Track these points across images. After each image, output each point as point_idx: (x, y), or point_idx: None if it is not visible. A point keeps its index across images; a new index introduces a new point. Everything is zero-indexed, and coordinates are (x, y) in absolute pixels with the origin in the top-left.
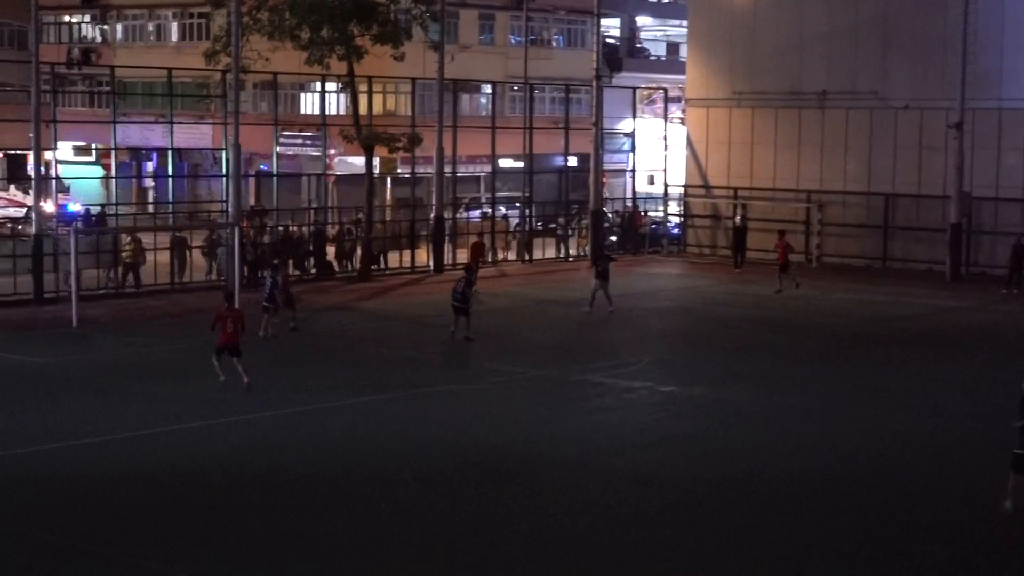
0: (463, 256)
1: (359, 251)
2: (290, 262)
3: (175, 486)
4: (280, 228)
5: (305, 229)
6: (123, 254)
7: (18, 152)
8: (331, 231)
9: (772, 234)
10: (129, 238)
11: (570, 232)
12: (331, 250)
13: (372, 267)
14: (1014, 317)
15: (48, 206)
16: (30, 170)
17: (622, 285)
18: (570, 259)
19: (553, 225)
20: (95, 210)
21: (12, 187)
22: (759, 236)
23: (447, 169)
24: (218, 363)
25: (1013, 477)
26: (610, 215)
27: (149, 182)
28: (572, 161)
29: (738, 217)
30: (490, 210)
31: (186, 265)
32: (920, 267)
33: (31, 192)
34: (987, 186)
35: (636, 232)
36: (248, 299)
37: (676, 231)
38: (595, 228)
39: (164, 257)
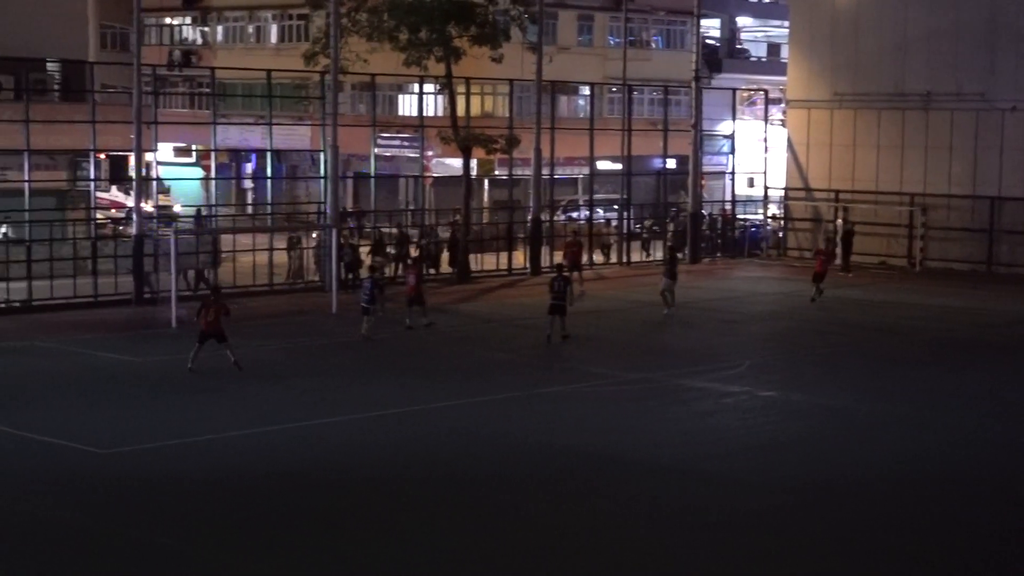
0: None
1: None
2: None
3: (274, 487)
4: (395, 230)
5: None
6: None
7: (120, 153)
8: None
9: (874, 238)
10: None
11: (652, 233)
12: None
13: (469, 269)
14: None
15: (148, 207)
16: (131, 171)
17: (720, 289)
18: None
19: (642, 228)
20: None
21: (114, 188)
22: (860, 239)
23: (544, 171)
24: (196, 349)
25: None
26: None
27: (248, 183)
28: (671, 163)
29: (838, 221)
30: (587, 212)
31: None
32: None
33: (132, 193)
34: None
35: (729, 234)
36: (344, 300)
37: (777, 234)
38: (694, 230)
39: (262, 258)
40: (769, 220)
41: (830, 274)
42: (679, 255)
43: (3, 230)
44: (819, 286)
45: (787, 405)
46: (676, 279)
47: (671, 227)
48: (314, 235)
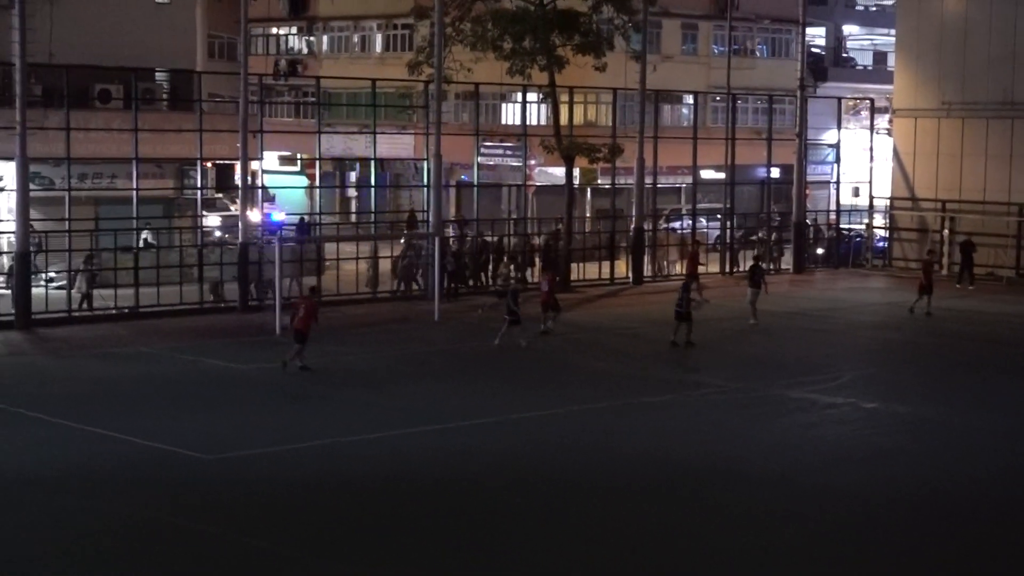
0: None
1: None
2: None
3: (375, 493)
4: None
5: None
6: None
7: (227, 161)
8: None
9: (982, 248)
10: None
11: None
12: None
13: (571, 278)
14: None
15: (255, 215)
16: (237, 179)
17: (824, 299)
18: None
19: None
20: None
21: (220, 196)
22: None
23: (647, 180)
24: (299, 349)
25: None
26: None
27: (352, 192)
28: (775, 172)
29: (945, 231)
30: (691, 221)
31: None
32: None
33: (238, 201)
34: None
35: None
36: (447, 310)
37: (882, 244)
38: (798, 240)
39: (362, 266)
40: (865, 230)
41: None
42: (762, 265)
43: (144, 235)
44: (926, 298)
45: (891, 417)
46: (760, 289)
47: (757, 237)
48: (402, 242)
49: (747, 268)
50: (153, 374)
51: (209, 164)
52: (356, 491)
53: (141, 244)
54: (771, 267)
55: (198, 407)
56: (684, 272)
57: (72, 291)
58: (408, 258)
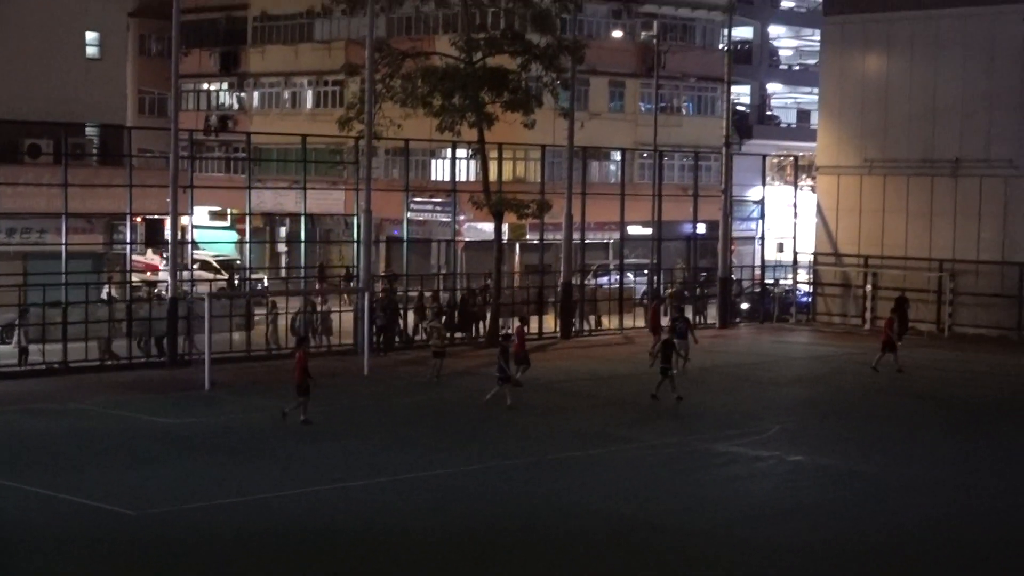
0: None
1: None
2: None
3: (305, 547)
4: (458, 292)
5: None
6: None
7: (156, 217)
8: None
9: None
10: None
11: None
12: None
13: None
14: None
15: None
16: (167, 234)
17: (751, 353)
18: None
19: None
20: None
21: (149, 251)
22: (889, 305)
23: (575, 236)
24: (304, 402)
25: None
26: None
27: (282, 247)
28: (701, 228)
29: (868, 287)
30: (618, 277)
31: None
32: None
33: (167, 256)
34: None
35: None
36: (376, 364)
37: (806, 299)
38: (724, 295)
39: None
40: (781, 285)
41: (857, 339)
42: (687, 316)
43: (105, 289)
44: (889, 354)
45: (816, 470)
46: (688, 340)
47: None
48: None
49: (670, 321)
50: (81, 429)
51: (139, 219)
52: (279, 546)
53: (104, 297)
54: (697, 320)
55: (126, 462)
56: (650, 326)
57: (11, 346)
58: (304, 313)
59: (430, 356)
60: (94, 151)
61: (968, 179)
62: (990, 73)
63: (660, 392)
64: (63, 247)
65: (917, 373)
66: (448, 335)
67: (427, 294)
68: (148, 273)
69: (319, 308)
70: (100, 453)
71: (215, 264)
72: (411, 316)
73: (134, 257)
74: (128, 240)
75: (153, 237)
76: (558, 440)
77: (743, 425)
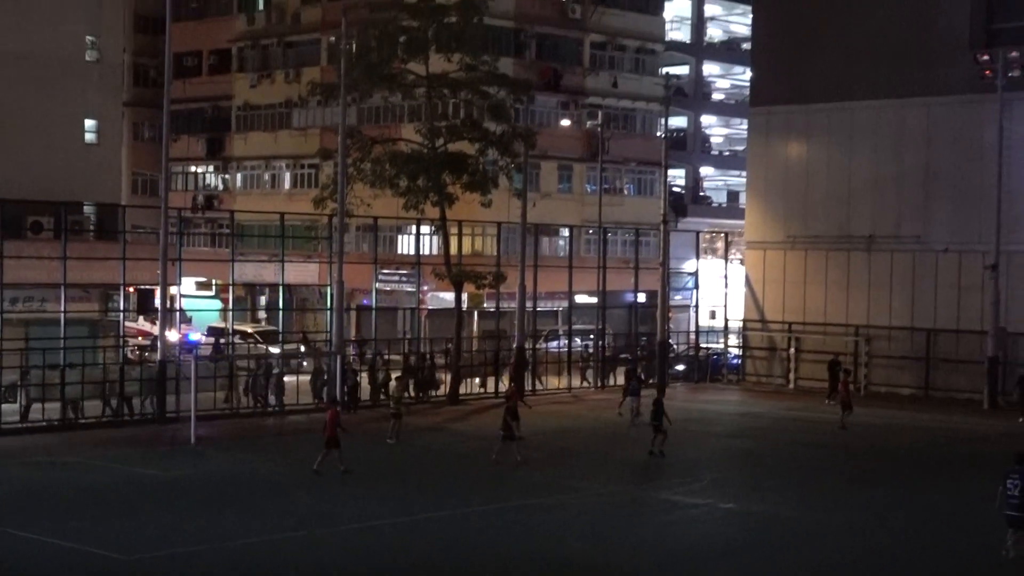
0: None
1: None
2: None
3: None
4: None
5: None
6: None
7: (147, 287)
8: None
9: (824, 365)
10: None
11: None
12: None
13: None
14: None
15: (172, 335)
16: (157, 303)
17: (687, 410)
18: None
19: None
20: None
21: (141, 318)
22: (811, 367)
23: (528, 304)
24: (325, 454)
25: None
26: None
27: (262, 314)
28: (641, 297)
29: (791, 350)
30: (567, 341)
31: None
32: (960, 396)
33: (158, 322)
34: (1021, 322)
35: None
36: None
37: (736, 361)
38: (662, 357)
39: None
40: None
41: (783, 398)
42: (641, 375)
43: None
44: (846, 412)
45: (746, 516)
46: (638, 397)
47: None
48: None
49: (624, 379)
50: (76, 480)
51: (131, 289)
52: None
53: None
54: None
55: (117, 511)
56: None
57: (17, 404)
58: (256, 375)
59: (390, 416)
60: (91, 227)
61: (880, 253)
62: (898, 158)
63: (655, 446)
64: (62, 314)
65: (835, 429)
66: (407, 395)
67: (380, 357)
68: (139, 338)
69: (274, 370)
70: (93, 503)
71: (254, 334)
72: (373, 377)
73: (127, 324)
74: (122, 308)
75: (144, 305)
76: (513, 489)
77: (681, 475)
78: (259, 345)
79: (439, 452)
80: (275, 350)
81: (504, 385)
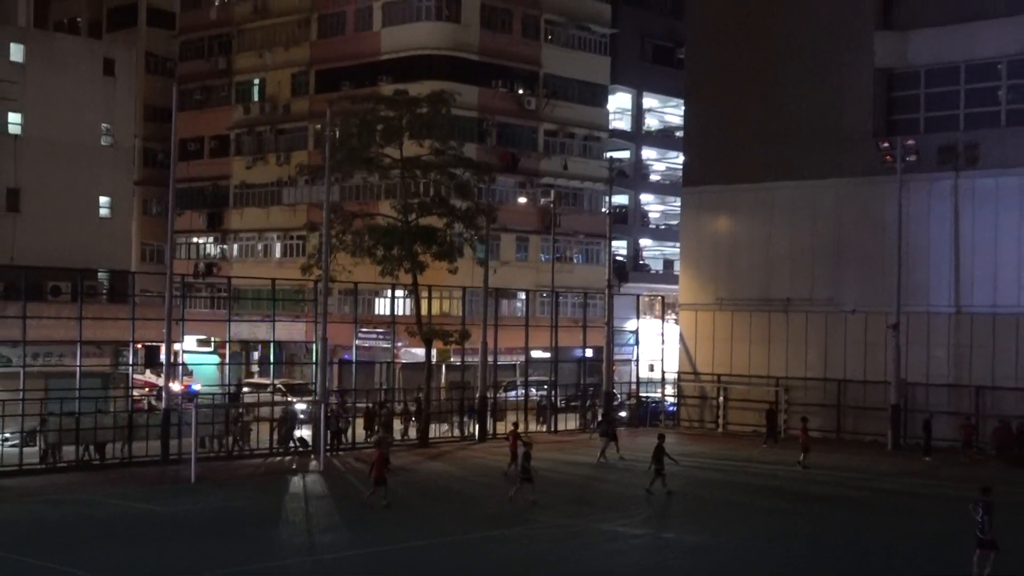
0: (502, 428)
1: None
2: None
3: None
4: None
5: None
6: None
7: (153, 344)
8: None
9: (749, 411)
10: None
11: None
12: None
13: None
14: (940, 482)
15: (176, 386)
16: (162, 358)
17: (631, 451)
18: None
19: (575, 403)
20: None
21: (148, 371)
22: (738, 413)
23: (490, 358)
24: (373, 491)
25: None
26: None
27: (255, 368)
28: (589, 352)
29: (720, 399)
30: (523, 391)
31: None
32: (867, 439)
33: (163, 375)
34: (919, 374)
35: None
36: (328, 461)
37: (672, 408)
38: (607, 405)
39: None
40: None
41: (713, 441)
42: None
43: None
44: (805, 454)
45: (684, 545)
46: (609, 438)
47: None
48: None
49: (600, 422)
50: (89, 515)
51: (140, 345)
52: None
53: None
54: (591, 425)
55: (122, 542)
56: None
57: (37, 447)
58: (241, 422)
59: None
60: (104, 291)
61: (797, 314)
62: (812, 231)
63: (654, 486)
64: (78, 368)
65: (759, 468)
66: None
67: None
68: (147, 389)
69: (241, 419)
70: (102, 535)
71: (282, 387)
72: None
73: (135, 376)
74: (131, 362)
75: (151, 360)
76: (473, 523)
77: (625, 508)
78: (286, 396)
79: (413, 486)
80: (301, 404)
81: (469, 430)
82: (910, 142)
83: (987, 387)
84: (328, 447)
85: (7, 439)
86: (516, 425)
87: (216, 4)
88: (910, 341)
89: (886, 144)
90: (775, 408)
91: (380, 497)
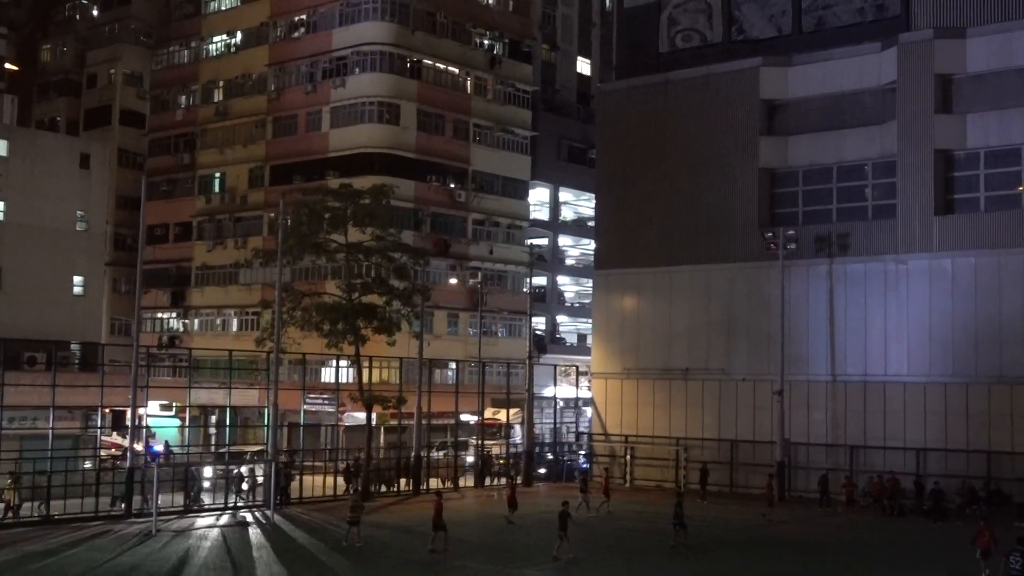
0: (435, 483)
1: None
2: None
3: None
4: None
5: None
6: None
7: (119, 408)
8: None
9: (652, 468)
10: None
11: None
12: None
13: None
14: (822, 530)
15: (139, 447)
16: (128, 421)
17: (550, 504)
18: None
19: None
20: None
21: (114, 433)
22: (643, 469)
23: (424, 421)
24: (433, 536)
25: None
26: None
27: (213, 430)
28: (516, 418)
29: (627, 457)
30: (455, 451)
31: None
32: (756, 491)
33: (127, 436)
34: (801, 435)
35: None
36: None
37: (586, 465)
38: (527, 462)
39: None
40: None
41: (623, 495)
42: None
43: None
44: (771, 508)
45: None
46: (587, 492)
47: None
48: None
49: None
50: (60, 566)
51: (107, 410)
52: None
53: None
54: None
55: None
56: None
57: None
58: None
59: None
60: (76, 361)
61: (694, 381)
62: (707, 309)
63: (678, 540)
64: (50, 430)
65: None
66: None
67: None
68: (113, 449)
69: (198, 478)
70: None
71: (250, 451)
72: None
73: (103, 438)
74: (99, 425)
75: (117, 423)
76: (407, 570)
77: (543, 555)
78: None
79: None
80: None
81: (403, 485)
82: (790, 232)
83: (860, 446)
84: (278, 501)
85: None
86: (511, 477)
87: (182, 107)
88: (793, 405)
89: (770, 234)
90: (707, 467)
91: (442, 541)
